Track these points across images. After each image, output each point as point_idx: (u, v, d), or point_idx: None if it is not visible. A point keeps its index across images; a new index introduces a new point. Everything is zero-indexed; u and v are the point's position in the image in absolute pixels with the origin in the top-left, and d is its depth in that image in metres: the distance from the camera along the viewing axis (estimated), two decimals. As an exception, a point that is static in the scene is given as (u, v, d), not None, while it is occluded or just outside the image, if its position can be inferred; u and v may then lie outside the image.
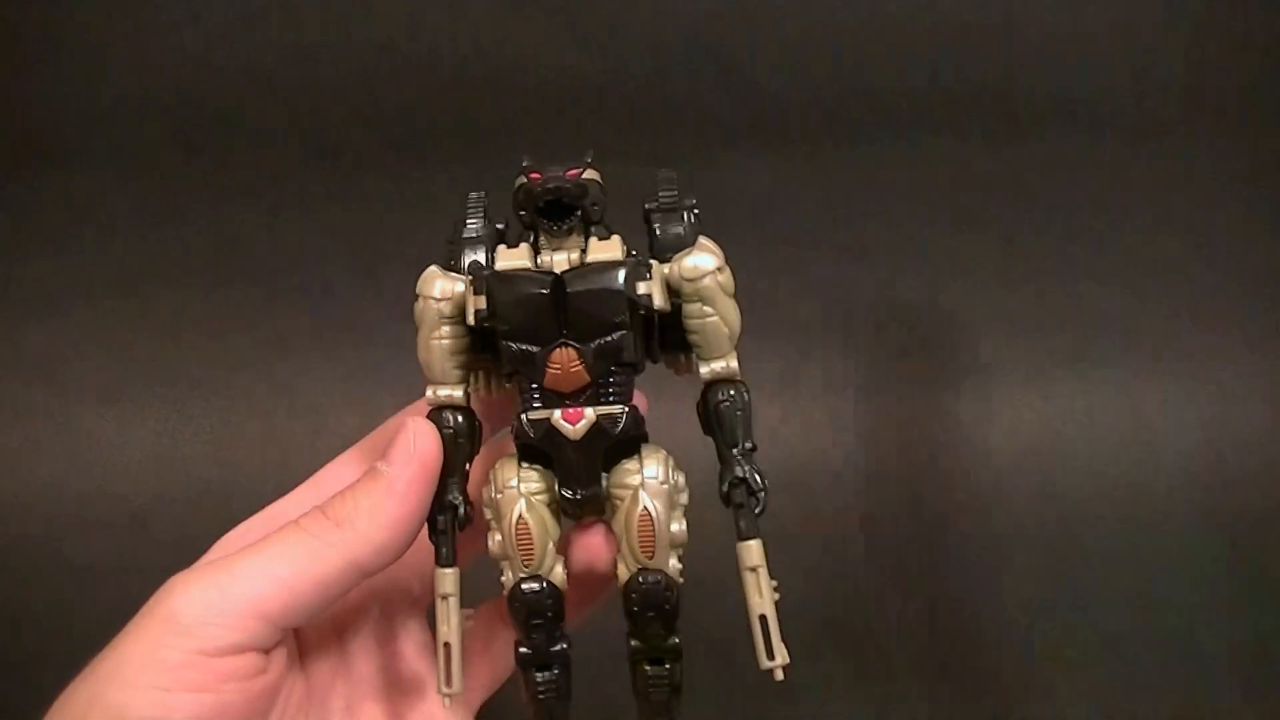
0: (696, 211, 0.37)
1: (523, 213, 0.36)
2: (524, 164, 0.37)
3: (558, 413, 0.36)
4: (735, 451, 0.37)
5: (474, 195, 0.38)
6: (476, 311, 0.36)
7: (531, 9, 0.72)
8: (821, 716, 0.55)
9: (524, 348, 0.36)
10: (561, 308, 0.35)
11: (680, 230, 0.37)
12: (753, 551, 0.36)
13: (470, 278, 0.36)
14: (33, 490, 0.70)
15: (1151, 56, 0.75)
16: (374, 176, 0.74)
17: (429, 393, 0.38)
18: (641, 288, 0.36)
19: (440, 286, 0.37)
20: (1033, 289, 0.77)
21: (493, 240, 0.37)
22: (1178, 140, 0.76)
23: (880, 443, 0.74)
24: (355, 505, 0.36)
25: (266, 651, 0.35)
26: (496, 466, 0.38)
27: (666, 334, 0.38)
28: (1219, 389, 0.76)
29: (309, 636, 0.39)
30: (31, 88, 0.72)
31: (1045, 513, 0.70)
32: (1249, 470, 0.73)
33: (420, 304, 0.37)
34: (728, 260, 0.37)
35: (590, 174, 0.36)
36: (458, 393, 0.38)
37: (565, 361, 0.36)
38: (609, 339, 0.36)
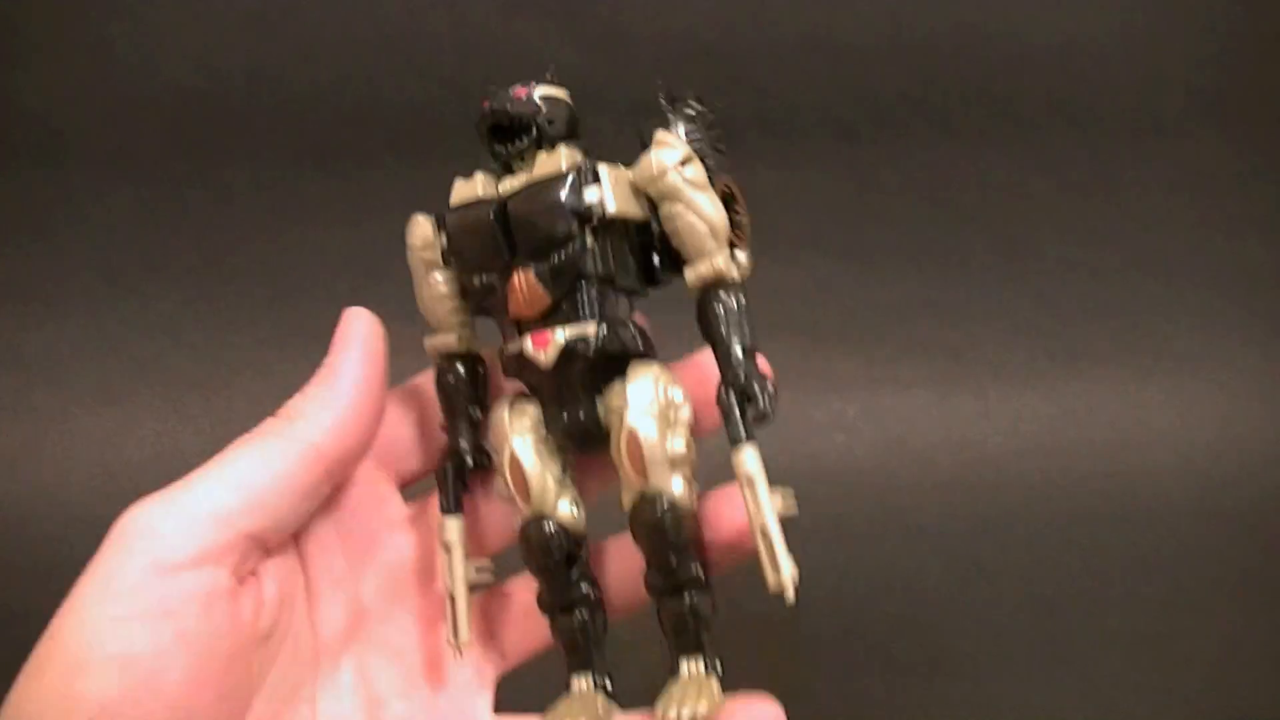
0: (698, 110, 0.36)
1: (483, 141, 0.35)
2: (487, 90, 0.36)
3: (528, 339, 0.34)
4: (732, 355, 0.33)
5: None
6: (443, 250, 0.36)
7: (531, 9, 0.72)
8: (814, 715, 0.55)
9: (483, 279, 0.35)
10: (508, 231, 0.34)
11: (698, 132, 0.36)
12: (744, 458, 0.33)
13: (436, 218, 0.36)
14: (33, 490, 0.70)
15: (1151, 56, 0.75)
16: (374, 176, 0.74)
17: (427, 341, 0.37)
18: (588, 195, 0.33)
19: (420, 234, 0.36)
20: (1033, 289, 0.77)
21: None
22: (1178, 140, 0.76)
23: (880, 443, 0.74)
24: (304, 398, 0.35)
25: (235, 575, 0.33)
26: (492, 408, 0.36)
27: (669, 255, 0.35)
28: (1219, 389, 0.76)
29: (314, 580, 0.37)
30: (31, 87, 0.72)
31: (1045, 512, 0.70)
32: (1249, 470, 0.73)
33: (409, 255, 0.37)
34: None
35: (547, 90, 0.35)
36: (451, 337, 0.37)
37: (523, 285, 0.34)
38: (562, 254, 0.34)
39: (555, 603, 0.36)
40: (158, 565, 0.31)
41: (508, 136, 0.35)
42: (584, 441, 0.35)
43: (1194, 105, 0.76)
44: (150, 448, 0.72)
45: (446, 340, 0.37)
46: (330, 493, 0.36)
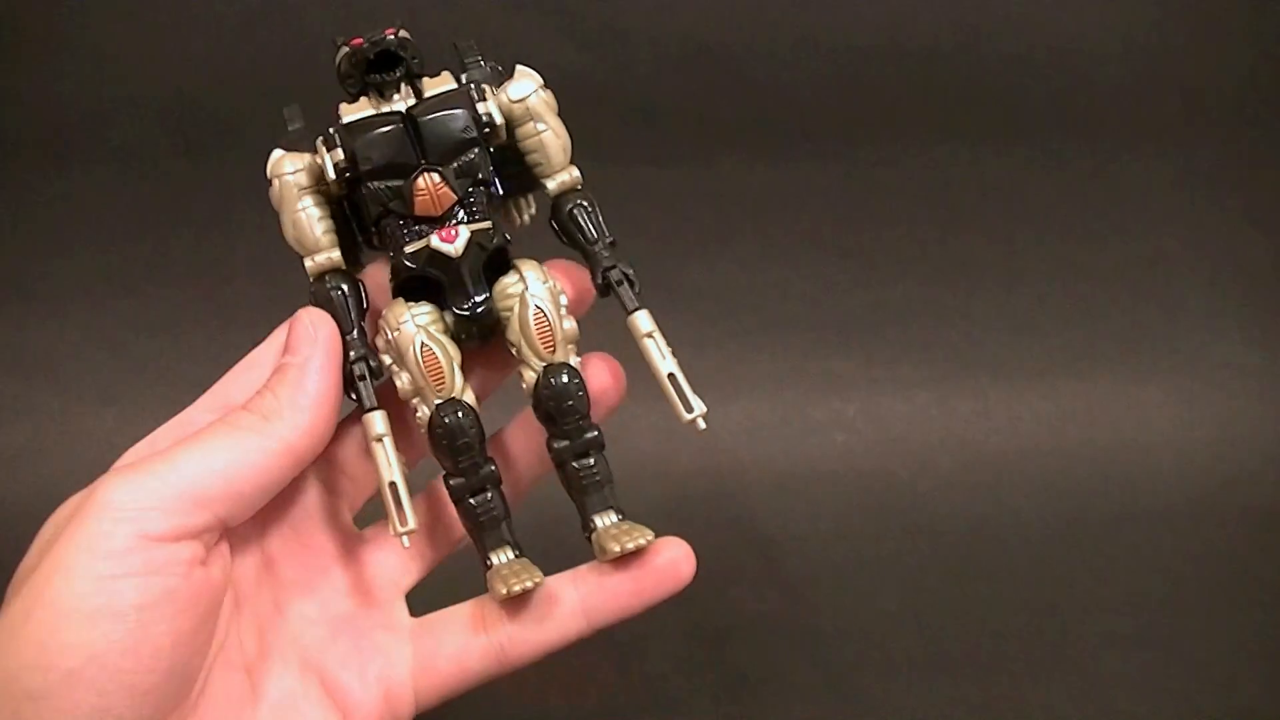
0: (497, 66, 0.41)
1: (350, 79, 0.40)
2: (337, 41, 0.40)
3: (434, 236, 0.38)
4: (598, 247, 0.40)
5: (288, 109, 0.41)
6: (336, 165, 0.38)
7: (531, 9, 0.72)
8: (813, 714, 0.55)
9: (389, 184, 0.38)
10: (415, 139, 0.38)
11: (487, 72, 0.41)
12: (644, 319, 0.39)
13: (320, 138, 0.39)
14: (33, 490, 0.70)
15: (1151, 56, 0.75)
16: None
17: (308, 263, 0.40)
18: (482, 107, 0.39)
19: (290, 162, 0.39)
20: (1033, 289, 0.77)
21: (306, 140, 0.40)
22: (1178, 140, 0.76)
23: (880, 443, 0.74)
24: (276, 397, 0.37)
25: (205, 545, 0.35)
26: (384, 312, 0.39)
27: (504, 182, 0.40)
28: (1219, 389, 0.76)
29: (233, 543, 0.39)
30: (32, 87, 0.72)
31: (1045, 512, 0.70)
32: (1249, 470, 0.73)
33: (276, 185, 0.39)
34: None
35: (403, 34, 0.40)
36: (335, 254, 0.39)
37: (431, 186, 0.38)
38: (466, 158, 0.38)
39: (467, 485, 0.39)
40: (144, 536, 0.33)
41: (384, 67, 0.39)
42: (475, 325, 0.39)
43: (1194, 105, 0.76)
44: (150, 448, 0.72)
45: (331, 257, 0.39)
46: None
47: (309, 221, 0.39)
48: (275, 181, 0.39)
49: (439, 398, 0.38)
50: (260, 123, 0.74)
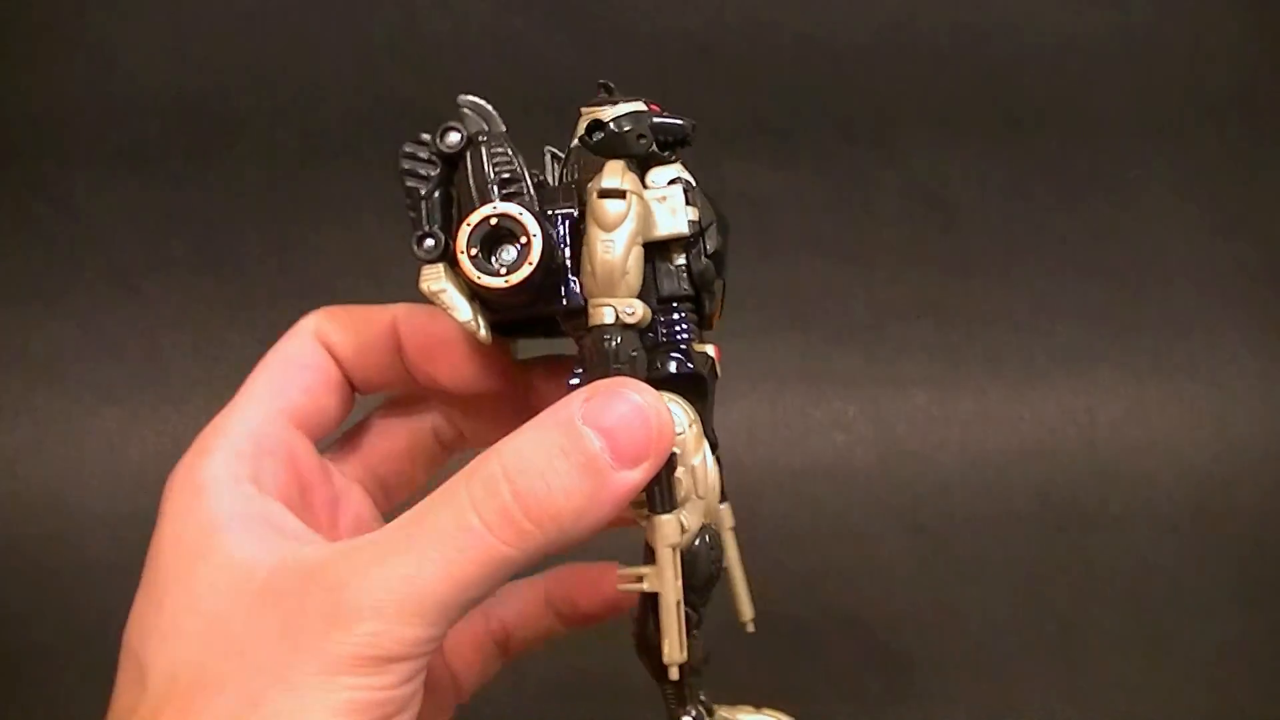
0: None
1: (641, 139, 0.32)
2: (609, 88, 0.34)
3: (711, 347, 0.33)
4: None
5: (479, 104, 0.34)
6: (691, 222, 0.32)
7: (531, 9, 0.72)
8: (814, 714, 0.56)
9: (718, 276, 0.33)
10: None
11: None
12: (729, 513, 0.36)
13: (673, 182, 0.33)
14: (33, 490, 0.70)
15: (1151, 56, 0.75)
16: (374, 176, 0.73)
17: (615, 311, 0.31)
18: None
19: (635, 181, 0.32)
20: (1033, 289, 0.77)
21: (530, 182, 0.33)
22: (1178, 140, 0.76)
23: (880, 442, 0.74)
24: (566, 501, 0.28)
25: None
26: (666, 399, 0.32)
27: None
28: (1219, 389, 0.76)
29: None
30: (33, 87, 0.72)
31: (1045, 512, 0.70)
32: (1249, 471, 0.73)
33: (630, 202, 0.31)
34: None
35: None
36: (643, 309, 0.32)
37: (720, 301, 0.34)
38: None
39: (699, 622, 0.33)
40: (383, 657, 0.27)
41: (666, 147, 0.33)
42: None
43: (1194, 105, 0.76)
44: (150, 448, 0.72)
45: (642, 315, 0.32)
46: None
47: (638, 262, 0.32)
48: (631, 199, 0.31)
49: (708, 519, 0.33)
50: (260, 123, 0.75)
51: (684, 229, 0.32)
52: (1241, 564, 0.66)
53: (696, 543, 0.32)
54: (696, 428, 0.32)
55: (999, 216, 0.77)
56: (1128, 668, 0.58)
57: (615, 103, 0.33)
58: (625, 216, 0.31)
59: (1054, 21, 0.74)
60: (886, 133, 0.75)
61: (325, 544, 0.31)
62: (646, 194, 0.32)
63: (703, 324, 0.34)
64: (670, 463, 0.31)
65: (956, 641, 0.60)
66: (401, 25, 0.73)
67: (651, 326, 0.33)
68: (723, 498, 0.34)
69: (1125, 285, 0.77)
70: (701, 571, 0.32)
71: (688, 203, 0.32)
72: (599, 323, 0.31)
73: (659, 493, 0.31)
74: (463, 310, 0.32)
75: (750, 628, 0.36)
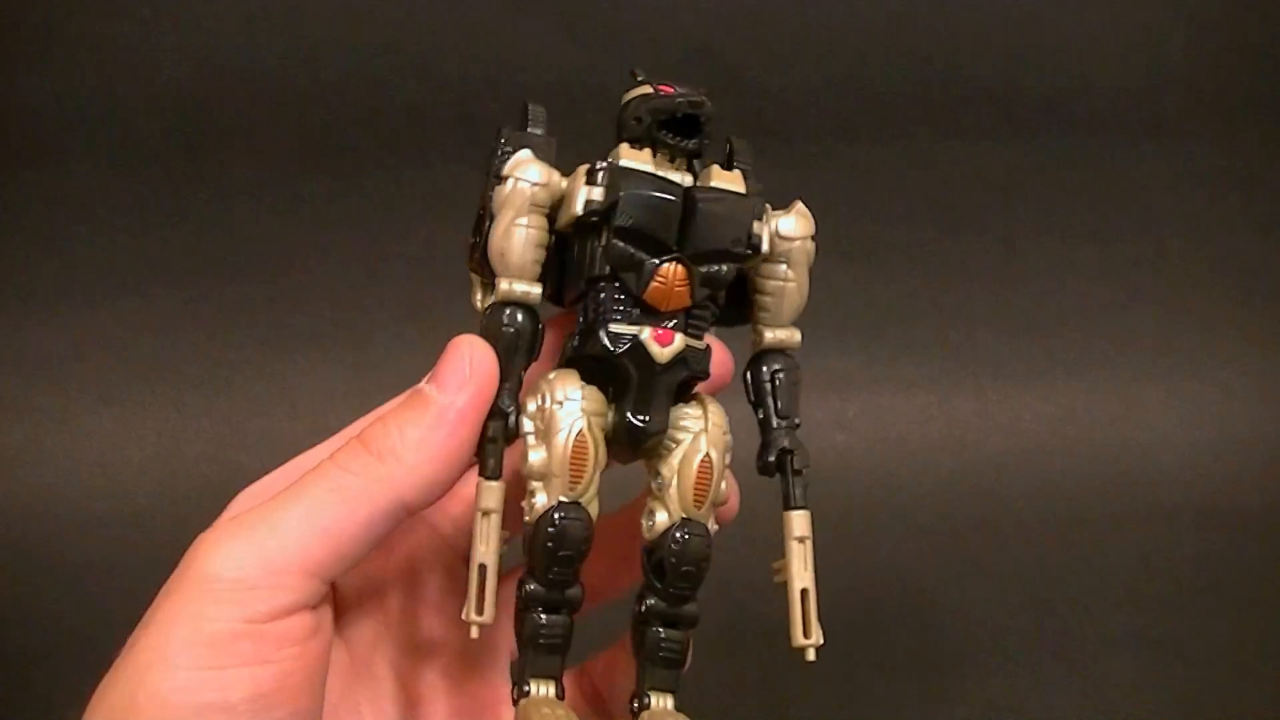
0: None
1: (637, 121, 0.34)
2: (638, 77, 0.35)
3: (648, 330, 0.33)
4: (785, 424, 0.36)
5: (535, 108, 0.36)
6: (588, 203, 0.33)
7: (531, 9, 0.72)
8: (816, 714, 0.55)
9: (634, 251, 0.33)
10: (685, 222, 0.33)
11: (761, 188, 0.35)
12: (803, 521, 0.35)
13: (586, 166, 0.34)
14: (33, 490, 0.70)
15: (1151, 56, 0.75)
16: (374, 176, 0.74)
17: (501, 285, 0.33)
18: (757, 227, 0.34)
19: (538, 171, 0.33)
20: (1033, 289, 0.77)
21: (550, 152, 0.34)
22: (1178, 140, 0.76)
23: (880, 443, 0.74)
24: (400, 435, 0.31)
25: (314, 609, 0.31)
26: (552, 376, 0.34)
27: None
28: (1219, 389, 0.76)
29: (344, 593, 0.36)
30: (31, 87, 0.72)
31: (1045, 513, 0.70)
32: (1249, 470, 0.73)
33: (510, 186, 0.33)
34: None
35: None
36: (535, 289, 0.34)
37: (673, 277, 0.33)
38: (720, 268, 0.34)
39: (545, 598, 0.33)
40: (252, 618, 0.29)
41: (684, 131, 0.34)
42: (641, 441, 0.34)
43: (1194, 105, 0.76)
44: (150, 448, 0.72)
45: (530, 291, 0.34)
46: None
47: (524, 241, 0.33)
48: (510, 182, 0.33)
49: (566, 495, 0.33)
50: (260, 123, 0.75)
51: (577, 209, 0.33)
52: (1242, 563, 0.66)
53: (557, 520, 0.33)
54: (580, 405, 0.33)
55: (999, 216, 0.77)
56: (1128, 667, 0.58)
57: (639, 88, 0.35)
58: (503, 200, 0.33)
59: (1054, 21, 0.74)
60: (886, 133, 0.75)
61: None
62: (569, 179, 0.34)
63: (639, 305, 0.33)
64: (497, 435, 0.33)
65: (957, 641, 0.60)
66: (402, 25, 0.73)
67: (583, 308, 0.34)
68: (790, 504, 0.35)
69: (1125, 285, 0.77)
70: (539, 544, 0.33)
71: (598, 184, 0.33)
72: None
73: (481, 459, 0.33)
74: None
75: (810, 655, 0.34)
